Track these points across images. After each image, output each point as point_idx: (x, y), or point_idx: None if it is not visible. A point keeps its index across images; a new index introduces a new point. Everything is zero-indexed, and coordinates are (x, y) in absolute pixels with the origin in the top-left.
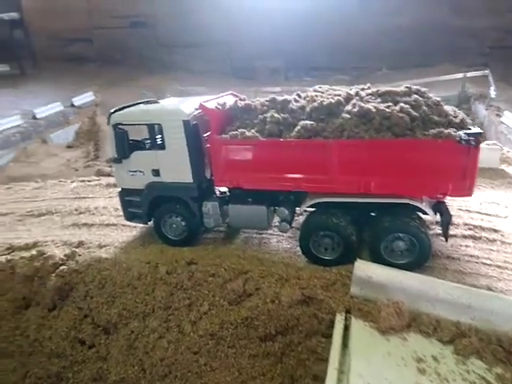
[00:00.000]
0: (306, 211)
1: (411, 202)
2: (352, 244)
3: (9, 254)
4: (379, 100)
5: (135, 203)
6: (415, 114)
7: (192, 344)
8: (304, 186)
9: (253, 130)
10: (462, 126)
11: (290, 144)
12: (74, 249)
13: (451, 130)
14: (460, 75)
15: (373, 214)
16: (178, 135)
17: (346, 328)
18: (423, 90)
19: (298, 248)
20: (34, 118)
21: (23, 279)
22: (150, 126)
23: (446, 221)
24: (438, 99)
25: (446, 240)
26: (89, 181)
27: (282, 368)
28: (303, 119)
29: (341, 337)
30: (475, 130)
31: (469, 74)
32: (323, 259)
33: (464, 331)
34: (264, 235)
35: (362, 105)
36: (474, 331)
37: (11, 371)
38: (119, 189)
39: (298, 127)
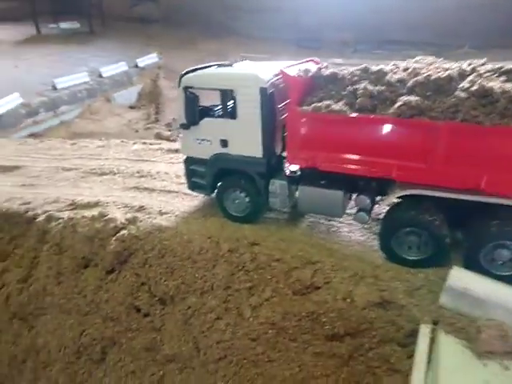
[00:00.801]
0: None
1: None
2: (445, 246)
3: (71, 210)
4: (504, 78)
5: (200, 173)
6: None
7: (251, 330)
8: (396, 173)
9: (340, 103)
10: None
11: (386, 122)
12: (135, 214)
13: None
14: None
15: (475, 214)
16: (252, 104)
17: (432, 342)
18: None
19: (374, 241)
20: (100, 76)
21: (84, 239)
22: (223, 92)
23: None
24: None
25: None
26: (151, 144)
27: (349, 372)
28: (403, 94)
29: (426, 352)
30: None
31: None
32: (406, 259)
33: None
34: (333, 222)
35: (484, 83)
36: None
37: (69, 327)
38: (184, 156)
39: (400, 103)
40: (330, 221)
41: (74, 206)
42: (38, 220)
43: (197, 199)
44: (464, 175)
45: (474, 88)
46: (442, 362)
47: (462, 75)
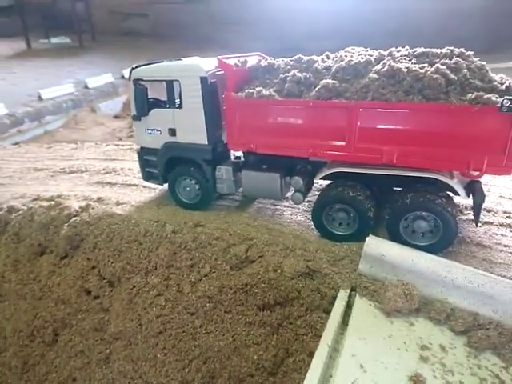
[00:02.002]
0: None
1: (438, 177)
2: (369, 220)
3: (32, 204)
4: (414, 61)
5: (152, 163)
6: (453, 76)
7: (189, 305)
8: (320, 153)
9: (271, 89)
10: (507, 93)
11: (307, 104)
12: (91, 203)
13: (492, 96)
14: None
15: (395, 189)
16: (194, 93)
17: (349, 306)
18: (468, 53)
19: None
20: (86, 87)
21: (40, 227)
22: (169, 83)
23: (478, 202)
24: (484, 63)
25: (477, 225)
26: (122, 145)
27: (278, 340)
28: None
29: (340, 313)
30: None
31: None
32: (336, 234)
33: (482, 324)
34: (278, 207)
35: (393, 64)
36: (494, 325)
37: (23, 311)
38: (138, 148)
39: (318, 86)
40: (275, 205)
41: (38, 199)
42: (0, 213)
43: (154, 192)
44: (379, 151)
45: (384, 69)
46: (353, 321)
47: (379, 60)
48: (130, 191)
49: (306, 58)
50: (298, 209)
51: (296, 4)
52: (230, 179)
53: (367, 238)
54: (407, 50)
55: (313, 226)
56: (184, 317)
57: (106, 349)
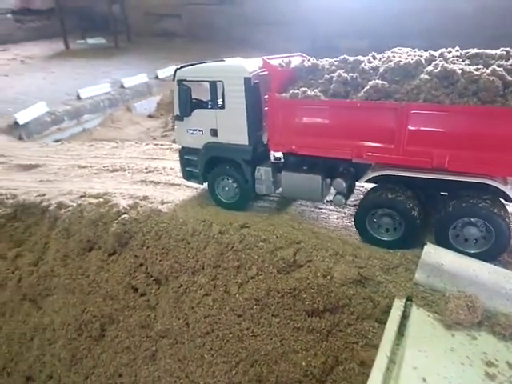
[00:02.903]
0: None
1: (490, 183)
2: (416, 226)
3: (80, 200)
4: (467, 62)
5: (193, 162)
6: (510, 79)
7: (236, 306)
8: (366, 155)
9: (316, 90)
10: None
11: (354, 105)
12: (136, 200)
13: None
14: None
15: (443, 195)
16: (237, 93)
17: (405, 316)
18: None
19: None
20: (122, 87)
21: (89, 223)
22: (212, 83)
23: None
24: None
25: None
26: (161, 144)
27: (327, 347)
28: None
29: (397, 324)
30: None
31: None
32: (381, 240)
33: None
34: (323, 210)
35: (446, 65)
36: None
37: (72, 305)
38: (179, 147)
39: (367, 87)
40: (320, 209)
41: (84, 197)
42: (50, 208)
43: (196, 191)
44: (429, 154)
45: (437, 70)
46: (411, 332)
47: (430, 60)
48: (173, 190)
49: (351, 59)
50: (344, 213)
51: (329, 3)
52: (269, 180)
53: (425, 246)
54: (458, 50)
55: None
56: (231, 318)
57: (152, 346)
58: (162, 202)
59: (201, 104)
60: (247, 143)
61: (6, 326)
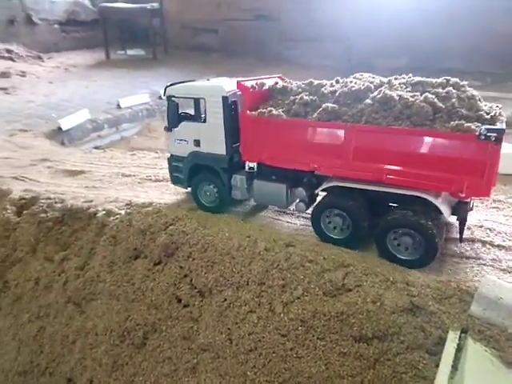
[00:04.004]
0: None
1: (423, 196)
2: (361, 228)
3: (127, 208)
4: (409, 89)
5: (179, 169)
6: (440, 105)
7: (281, 325)
8: (320, 168)
9: (280, 110)
10: (491, 122)
11: (309, 124)
12: (183, 212)
13: (473, 124)
14: None
15: (389, 205)
16: (217, 110)
17: (459, 349)
18: (462, 83)
19: None
20: (160, 98)
21: (137, 232)
22: (196, 100)
23: (460, 221)
24: (475, 93)
25: (460, 242)
26: None
27: (374, 375)
28: (331, 103)
29: (452, 357)
30: (499, 126)
31: None
32: (331, 237)
33: None
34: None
35: (386, 92)
36: None
37: (116, 312)
38: (168, 155)
39: (320, 109)
40: None
41: (130, 205)
42: (98, 215)
43: (239, 205)
44: (370, 169)
45: (379, 96)
46: (468, 368)
47: (379, 86)
48: None
49: (316, 82)
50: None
51: (366, 22)
52: (244, 187)
53: (483, 279)
54: (404, 78)
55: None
56: (275, 337)
57: (194, 359)
58: (207, 215)
59: (187, 117)
60: (225, 153)
61: (49, 326)
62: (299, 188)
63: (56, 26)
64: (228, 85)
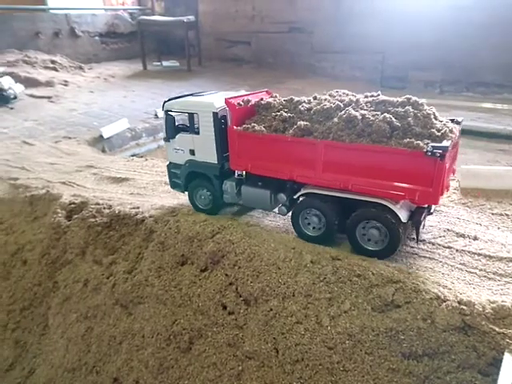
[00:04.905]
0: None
1: (381, 202)
2: (333, 227)
3: (174, 216)
4: (373, 108)
5: (177, 175)
6: (397, 124)
7: (328, 338)
8: (296, 177)
9: (262, 125)
10: (440, 139)
11: (286, 139)
12: (229, 221)
13: (423, 142)
14: None
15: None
16: (208, 123)
17: None
18: (421, 101)
19: (457, 271)
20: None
21: (186, 239)
22: (190, 114)
23: (414, 224)
24: (432, 112)
25: (417, 242)
26: None
27: None
28: (306, 119)
29: (509, 380)
30: (445, 143)
31: None
32: (307, 234)
33: None
34: (416, 250)
35: (351, 111)
36: None
37: (163, 316)
38: (167, 162)
39: (295, 126)
40: (412, 247)
41: (175, 213)
42: (146, 221)
43: (280, 217)
44: (337, 179)
45: (345, 115)
46: None
47: (348, 105)
48: (256, 213)
49: (296, 99)
50: (439, 254)
51: (401, 34)
52: (234, 192)
53: None
54: (371, 97)
55: (464, 278)
56: (322, 349)
57: (239, 366)
58: (249, 225)
59: (183, 128)
60: (216, 162)
61: (97, 327)
62: (280, 194)
63: (96, 37)
64: (219, 101)
